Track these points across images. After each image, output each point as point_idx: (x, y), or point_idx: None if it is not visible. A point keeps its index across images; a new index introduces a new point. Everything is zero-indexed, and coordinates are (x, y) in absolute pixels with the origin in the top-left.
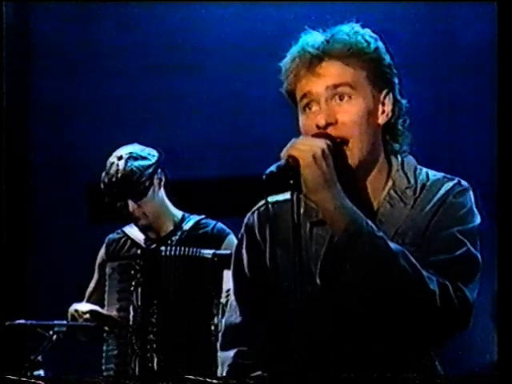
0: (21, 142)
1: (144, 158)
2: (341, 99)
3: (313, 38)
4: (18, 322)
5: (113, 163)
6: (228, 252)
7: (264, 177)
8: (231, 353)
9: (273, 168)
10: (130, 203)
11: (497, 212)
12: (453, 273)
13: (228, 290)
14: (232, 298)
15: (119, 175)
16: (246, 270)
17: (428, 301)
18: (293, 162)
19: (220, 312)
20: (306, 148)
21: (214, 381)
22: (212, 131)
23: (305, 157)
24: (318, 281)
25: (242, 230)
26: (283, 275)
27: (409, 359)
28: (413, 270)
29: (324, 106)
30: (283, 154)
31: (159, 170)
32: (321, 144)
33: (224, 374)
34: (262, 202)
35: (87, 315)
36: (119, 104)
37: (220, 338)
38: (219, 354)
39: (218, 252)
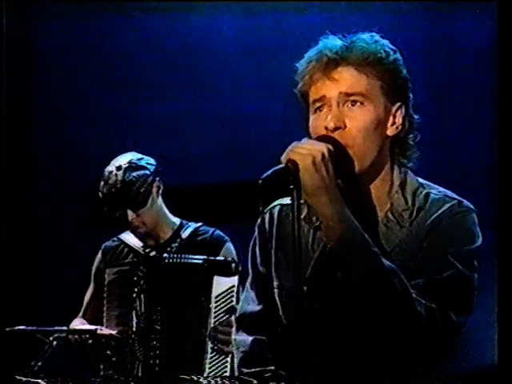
0: (21, 144)
1: (142, 168)
2: (352, 105)
3: (332, 42)
4: (18, 328)
5: (111, 173)
6: (218, 258)
7: (260, 181)
8: (249, 339)
9: (270, 172)
10: (129, 213)
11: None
12: (440, 295)
13: (217, 296)
14: (249, 290)
15: (118, 186)
16: (260, 268)
17: (413, 321)
18: (292, 166)
19: (209, 317)
20: (305, 152)
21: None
22: (211, 137)
23: (304, 161)
24: (305, 285)
25: (256, 228)
26: (283, 276)
27: (392, 372)
28: (402, 288)
29: (335, 109)
30: (283, 158)
31: (157, 178)
32: (321, 148)
33: (237, 360)
34: (275, 203)
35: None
36: (120, 109)
37: (234, 324)
38: (234, 337)
39: (209, 258)
